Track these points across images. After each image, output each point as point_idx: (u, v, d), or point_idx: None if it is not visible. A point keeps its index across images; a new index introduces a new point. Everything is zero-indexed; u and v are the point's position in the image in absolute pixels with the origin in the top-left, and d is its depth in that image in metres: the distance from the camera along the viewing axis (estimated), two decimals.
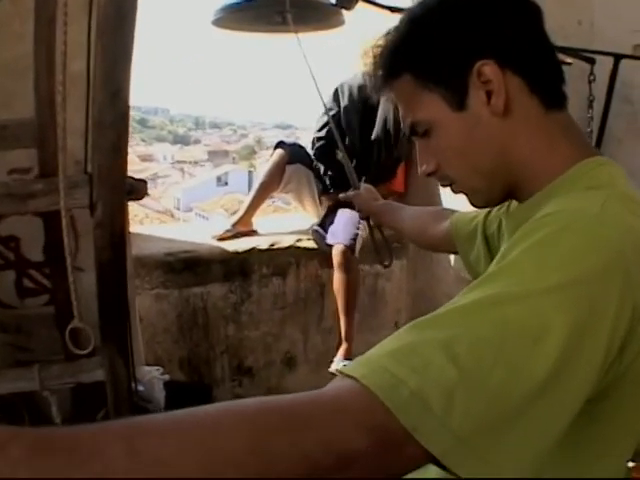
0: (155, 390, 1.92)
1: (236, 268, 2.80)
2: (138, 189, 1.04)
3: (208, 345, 2.81)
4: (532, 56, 0.77)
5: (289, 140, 3.28)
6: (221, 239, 2.89)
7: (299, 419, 0.47)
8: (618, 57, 2.11)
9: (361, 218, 1.62)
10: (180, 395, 1.99)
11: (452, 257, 3.02)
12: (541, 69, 0.78)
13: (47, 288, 1.90)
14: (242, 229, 2.97)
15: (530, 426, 0.52)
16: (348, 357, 2.72)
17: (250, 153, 48.04)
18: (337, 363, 2.70)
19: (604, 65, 2.14)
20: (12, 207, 0.94)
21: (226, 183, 33.42)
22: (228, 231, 2.93)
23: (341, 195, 1.62)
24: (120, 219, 0.99)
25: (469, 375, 0.50)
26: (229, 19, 2.15)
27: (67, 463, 0.41)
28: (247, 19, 2.18)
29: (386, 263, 1.86)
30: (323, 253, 2.94)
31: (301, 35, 2.06)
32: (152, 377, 1.94)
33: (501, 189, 0.82)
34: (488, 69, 0.74)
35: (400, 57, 0.80)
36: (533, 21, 0.79)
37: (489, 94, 0.75)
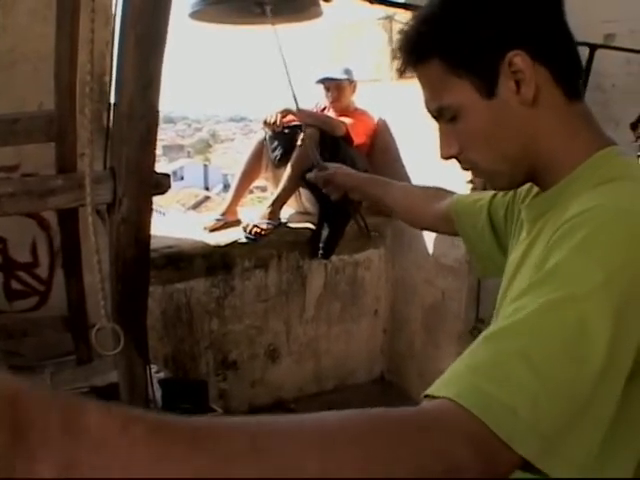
0: (152, 388, 1.89)
1: (218, 262, 2.78)
2: (162, 183, 1.01)
3: (193, 341, 2.79)
4: (559, 48, 0.79)
5: None
6: (213, 230, 2.88)
7: (416, 431, 0.51)
8: (593, 47, 2.16)
9: (335, 200, 1.40)
10: (176, 392, 1.96)
11: (430, 244, 3.06)
12: (566, 60, 0.80)
13: (36, 290, 1.85)
14: (230, 218, 2.98)
15: (594, 415, 0.58)
16: (271, 219, 2.85)
17: (205, 147, 47.50)
18: (259, 222, 2.82)
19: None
20: (30, 205, 0.90)
21: (182, 178, 32.98)
22: (218, 221, 2.93)
23: (309, 175, 1.43)
24: (147, 214, 0.96)
25: (546, 378, 0.55)
26: (207, 12, 2.11)
27: (188, 448, 0.40)
28: (225, 11, 2.15)
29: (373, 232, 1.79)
30: (304, 244, 2.94)
31: (279, 26, 2.04)
32: None
33: (523, 174, 0.84)
34: (520, 60, 0.75)
35: (431, 42, 0.80)
36: (559, 13, 0.80)
37: (518, 83, 0.76)
